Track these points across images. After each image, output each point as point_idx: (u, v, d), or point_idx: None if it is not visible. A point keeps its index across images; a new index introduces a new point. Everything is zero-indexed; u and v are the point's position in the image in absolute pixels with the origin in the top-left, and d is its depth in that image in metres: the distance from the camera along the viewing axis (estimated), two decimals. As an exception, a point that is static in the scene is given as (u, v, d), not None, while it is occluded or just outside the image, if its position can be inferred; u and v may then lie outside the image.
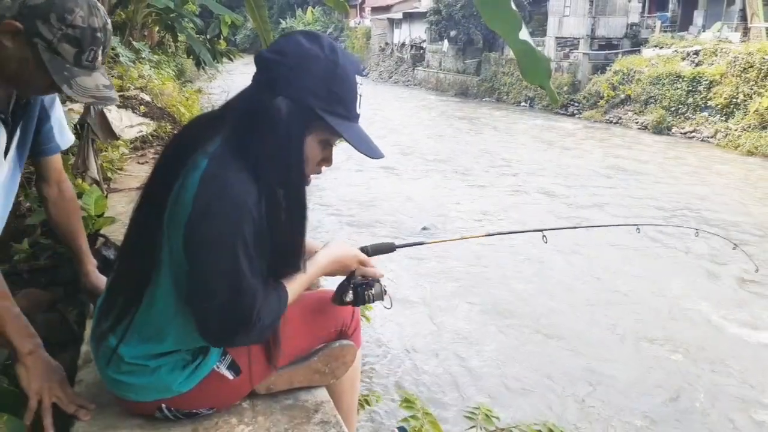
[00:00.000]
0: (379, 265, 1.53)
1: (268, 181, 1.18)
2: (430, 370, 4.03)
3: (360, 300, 1.50)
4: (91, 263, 1.87)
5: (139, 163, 3.97)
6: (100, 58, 1.27)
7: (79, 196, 2.77)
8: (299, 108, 1.17)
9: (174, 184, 1.20)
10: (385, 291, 1.54)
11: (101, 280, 1.81)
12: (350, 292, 1.50)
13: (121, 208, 2.95)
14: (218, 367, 1.36)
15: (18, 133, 1.46)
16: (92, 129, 2.89)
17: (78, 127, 2.94)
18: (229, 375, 1.37)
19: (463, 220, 8.54)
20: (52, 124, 1.65)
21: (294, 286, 1.33)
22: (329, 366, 1.55)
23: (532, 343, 4.62)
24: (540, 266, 6.52)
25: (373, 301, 1.52)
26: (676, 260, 6.87)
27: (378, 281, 1.53)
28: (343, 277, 1.51)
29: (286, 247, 1.27)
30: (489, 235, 2.02)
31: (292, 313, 1.44)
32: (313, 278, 1.41)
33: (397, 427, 1.78)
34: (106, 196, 3.16)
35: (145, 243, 1.25)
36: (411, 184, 10.36)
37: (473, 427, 1.26)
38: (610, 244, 7.18)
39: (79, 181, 2.91)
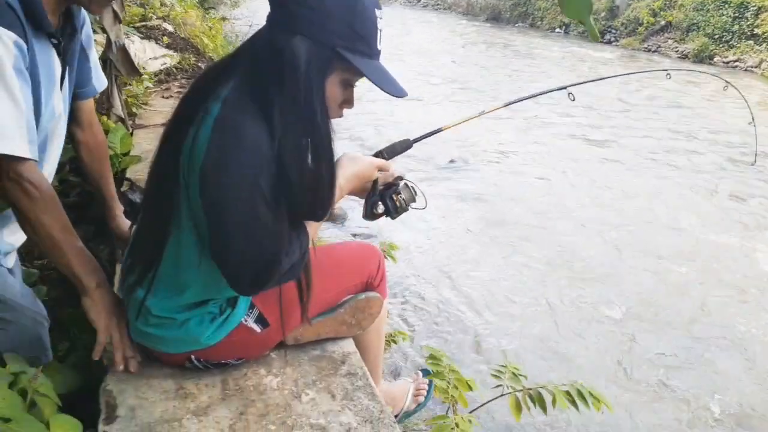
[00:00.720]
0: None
1: (289, 129, 1.11)
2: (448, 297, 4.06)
3: (392, 209, 1.43)
4: (119, 208, 1.87)
5: (163, 97, 3.92)
6: None
7: (105, 133, 2.76)
8: (319, 48, 1.09)
9: (189, 131, 1.15)
10: (415, 191, 1.46)
11: (128, 225, 1.82)
12: (379, 203, 1.43)
13: (147, 145, 2.94)
14: (246, 321, 1.36)
15: (68, 64, 1.42)
16: (115, 65, 2.83)
17: (102, 62, 2.89)
18: (257, 328, 1.38)
19: (490, 153, 8.38)
20: (91, 65, 1.62)
21: (313, 223, 1.28)
22: (356, 317, 1.55)
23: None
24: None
25: (407, 206, 1.44)
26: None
27: (404, 182, 1.45)
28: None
29: (315, 198, 1.20)
30: (508, 104, 1.90)
31: (319, 267, 1.43)
32: (337, 200, 1.31)
33: (422, 370, 1.80)
34: (132, 133, 3.15)
35: (165, 195, 1.21)
36: (437, 113, 10.15)
37: (499, 385, 1.26)
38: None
39: (104, 118, 2.88)
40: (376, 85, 1.13)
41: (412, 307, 3.80)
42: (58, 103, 1.39)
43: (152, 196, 1.28)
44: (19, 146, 1.16)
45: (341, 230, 5.25)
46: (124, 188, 2.30)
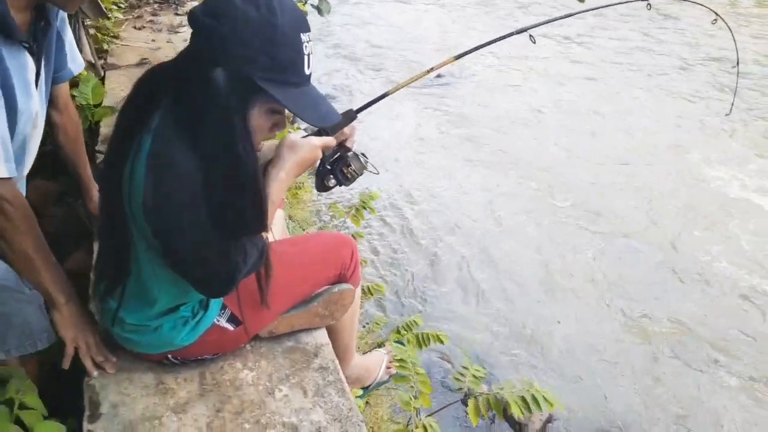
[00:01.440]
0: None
1: (214, 159, 1.10)
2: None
3: (343, 179, 1.46)
4: (95, 189, 1.87)
5: (135, 27, 3.75)
6: None
7: (75, 84, 2.68)
8: (238, 80, 1.06)
9: (126, 163, 1.16)
10: (366, 160, 1.46)
11: None
12: (330, 176, 1.45)
13: (120, 92, 2.86)
14: (218, 321, 1.42)
15: (43, 60, 1.40)
16: (81, 8, 2.69)
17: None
18: (230, 327, 1.43)
19: (482, 66, 8.18)
20: (66, 50, 1.59)
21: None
22: (329, 309, 1.61)
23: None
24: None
25: (358, 175, 1.46)
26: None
27: (352, 152, 1.46)
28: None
29: (246, 218, 1.19)
30: (458, 57, 1.81)
31: (291, 261, 1.48)
32: (279, 195, 1.31)
33: (396, 342, 1.89)
34: (104, 76, 3.05)
35: (116, 222, 1.23)
36: (429, 18, 9.77)
37: (460, 388, 1.34)
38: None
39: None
40: (300, 117, 1.12)
41: (389, 250, 3.88)
42: (35, 103, 1.38)
43: (104, 221, 1.29)
44: None
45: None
46: (98, 162, 2.27)
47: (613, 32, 8.83)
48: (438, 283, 3.72)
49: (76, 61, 1.64)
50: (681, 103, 6.48)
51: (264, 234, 1.28)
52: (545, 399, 1.30)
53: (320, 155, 1.38)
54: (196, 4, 1.69)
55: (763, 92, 6.70)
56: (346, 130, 1.46)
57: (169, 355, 1.42)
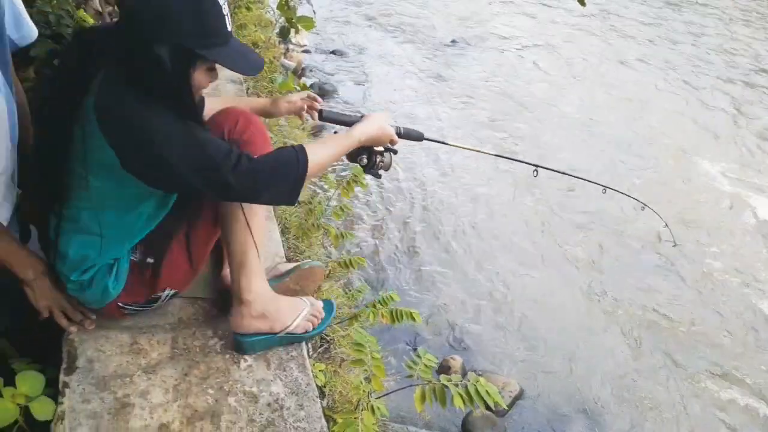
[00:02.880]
0: None
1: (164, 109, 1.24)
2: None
3: (370, 167, 1.63)
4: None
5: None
6: None
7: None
8: (179, 51, 1.21)
9: (72, 130, 1.28)
10: (391, 164, 1.67)
11: None
12: (365, 156, 1.61)
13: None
14: (135, 258, 1.47)
15: None
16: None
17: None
18: (149, 259, 1.47)
19: (497, 37, 8.06)
20: (11, 19, 1.46)
21: (325, 146, 1.45)
22: (300, 284, 1.70)
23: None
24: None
25: (380, 170, 1.65)
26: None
27: (391, 153, 1.65)
28: None
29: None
30: (497, 155, 2.06)
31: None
32: (349, 147, 1.51)
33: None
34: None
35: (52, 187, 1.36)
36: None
37: (410, 376, 1.44)
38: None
39: (81, 12, 2.79)
40: (232, 69, 1.30)
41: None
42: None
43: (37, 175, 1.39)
44: None
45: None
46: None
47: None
48: (422, 258, 3.81)
49: (23, 30, 1.51)
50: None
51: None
52: (489, 394, 1.39)
53: (387, 143, 1.61)
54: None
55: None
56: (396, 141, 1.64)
57: (119, 303, 1.49)
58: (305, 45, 6.75)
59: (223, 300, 1.67)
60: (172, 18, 1.18)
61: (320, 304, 1.65)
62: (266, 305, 1.51)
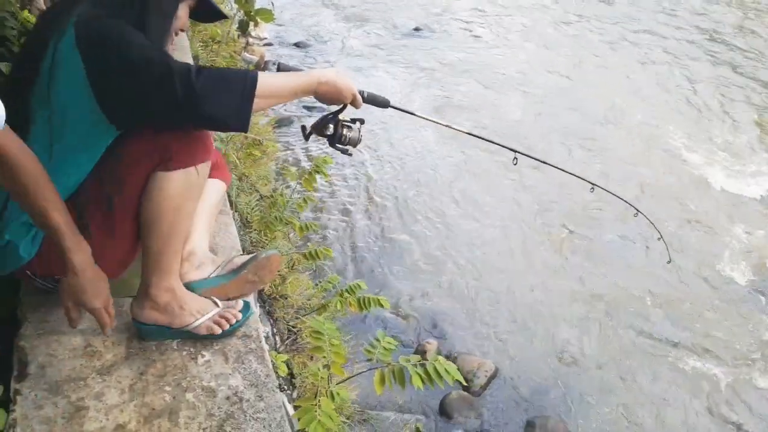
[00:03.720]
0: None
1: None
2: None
3: (336, 138, 1.54)
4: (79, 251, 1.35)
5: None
6: None
7: (24, 34, 2.63)
8: None
9: (46, 52, 1.29)
10: (361, 138, 1.57)
11: None
12: (331, 125, 1.53)
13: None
14: None
15: None
16: (29, -48, 2.62)
17: (15, -51, 2.66)
18: None
19: (460, 21, 8.07)
20: None
21: (276, 75, 1.40)
22: (258, 275, 1.68)
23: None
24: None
25: (347, 144, 1.56)
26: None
27: (359, 125, 1.57)
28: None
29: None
30: (470, 134, 1.89)
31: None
32: (304, 84, 1.41)
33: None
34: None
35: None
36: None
37: (369, 359, 1.44)
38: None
39: (26, 13, 2.72)
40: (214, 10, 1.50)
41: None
42: None
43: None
44: None
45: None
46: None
47: None
48: (392, 245, 3.81)
49: None
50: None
51: None
52: (447, 372, 1.40)
53: (347, 100, 1.49)
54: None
55: None
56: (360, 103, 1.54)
57: (27, 271, 1.43)
58: (266, 38, 6.67)
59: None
60: None
61: (239, 305, 1.60)
62: (170, 303, 1.48)
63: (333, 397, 1.41)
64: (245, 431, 1.36)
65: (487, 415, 3.07)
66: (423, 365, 1.40)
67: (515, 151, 1.81)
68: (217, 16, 1.56)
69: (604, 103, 5.84)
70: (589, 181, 2.00)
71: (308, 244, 3.15)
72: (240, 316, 1.58)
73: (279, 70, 1.57)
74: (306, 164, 4.04)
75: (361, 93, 1.53)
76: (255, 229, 2.59)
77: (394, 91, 5.85)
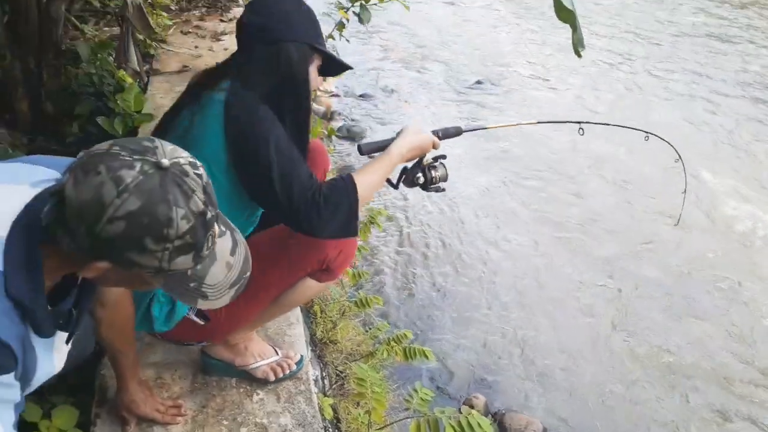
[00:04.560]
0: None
1: (287, 109, 1.47)
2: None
3: (429, 182, 1.62)
4: (135, 383, 1.57)
5: (182, 32, 4.04)
6: (217, 231, 0.97)
7: (119, 90, 2.98)
8: (303, 47, 1.46)
9: (178, 122, 1.47)
10: (447, 173, 1.65)
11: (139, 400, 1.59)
12: (420, 174, 1.61)
13: (160, 99, 3.14)
14: (189, 314, 1.56)
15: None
16: (130, 21, 2.98)
17: (119, 19, 3.04)
18: (200, 321, 1.54)
19: (521, 76, 8.22)
20: None
21: (368, 171, 1.50)
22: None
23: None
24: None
25: (438, 183, 1.64)
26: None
27: (442, 162, 1.64)
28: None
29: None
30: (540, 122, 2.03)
31: (263, 247, 1.50)
32: (393, 165, 1.53)
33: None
34: (147, 81, 3.35)
35: None
36: (473, 22, 9.82)
37: (407, 408, 1.55)
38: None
39: (122, 72, 3.08)
40: (341, 65, 1.62)
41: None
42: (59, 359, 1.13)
43: None
44: None
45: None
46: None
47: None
48: (442, 296, 3.91)
49: None
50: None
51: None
52: (480, 426, 1.50)
53: (430, 150, 1.61)
54: (241, 9, 1.94)
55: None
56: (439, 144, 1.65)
57: (158, 336, 1.63)
58: (333, 90, 7.04)
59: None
60: (295, 21, 1.46)
61: (297, 357, 1.77)
62: (239, 343, 1.68)
63: (372, 442, 1.53)
64: (291, 467, 1.50)
65: (536, 476, 3.05)
66: (457, 419, 1.50)
67: (579, 122, 1.88)
68: (343, 68, 1.64)
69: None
70: (644, 131, 2.02)
71: (359, 291, 3.30)
72: (294, 367, 1.75)
73: (362, 152, 1.63)
74: (362, 214, 4.23)
75: (436, 133, 1.63)
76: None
77: (451, 142, 6.02)
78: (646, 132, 2.04)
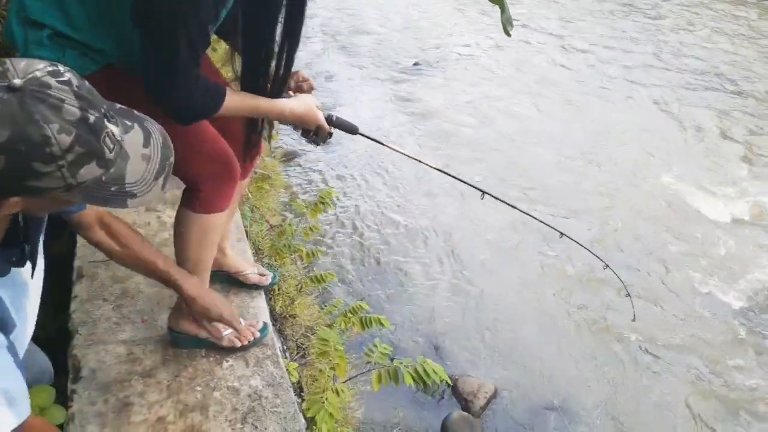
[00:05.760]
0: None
1: None
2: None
3: (305, 132, 1.63)
4: (191, 283, 1.59)
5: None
6: (116, 130, 0.91)
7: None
8: None
9: None
10: (331, 134, 1.65)
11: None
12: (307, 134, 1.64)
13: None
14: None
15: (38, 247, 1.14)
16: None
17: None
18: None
19: (459, 58, 8.41)
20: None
21: (243, 98, 1.42)
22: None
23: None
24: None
25: (318, 142, 1.67)
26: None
27: (329, 135, 1.65)
28: None
29: (258, 53, 1.41)
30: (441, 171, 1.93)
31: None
32: (268, 111, 1.49)
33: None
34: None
35: None
36: (415, 6, 9.95)
37: (368, 362, 1.69)
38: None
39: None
40: None
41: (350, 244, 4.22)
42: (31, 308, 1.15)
43: None
44: None
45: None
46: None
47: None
48: (391, 269, 4.08)
49: None
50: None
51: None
52: (435, 372, 1.66)
53: (311, 128, 1.61)
54: None
55: None
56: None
57: None
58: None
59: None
60: None
61: (260, 324, 1.87)
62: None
63: (338, 394, 1.67)
64: (264, 422, 1.63)
65: (488, 436, 3.23)
66: (414, 366, 1.66)
67: (483, 191, 1.90)
68: None
69: (600, 140, 6.13)
70: (556, 229, 2.09)
71: (314, 269, 3.41)
72: (258, 334, 1.86)
73: (331, 120, 1.65)
74: (312, 196, 4.33)
75: (330, 117, 1.64)
76: (266, 255, 2.87)
77: (391, 124, 6.17)
78: (560, 232, 2.09)
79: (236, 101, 1.40)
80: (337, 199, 4.47)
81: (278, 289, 2.79)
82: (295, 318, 2.70)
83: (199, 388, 1.70)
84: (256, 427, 1.61)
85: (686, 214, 4.93)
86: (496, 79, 7.56)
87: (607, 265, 2.19)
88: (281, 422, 1.63)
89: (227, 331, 1.80)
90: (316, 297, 3.11)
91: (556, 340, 3.74)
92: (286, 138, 5.39)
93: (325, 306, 3.39)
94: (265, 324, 1.90)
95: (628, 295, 2.55)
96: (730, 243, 4.60)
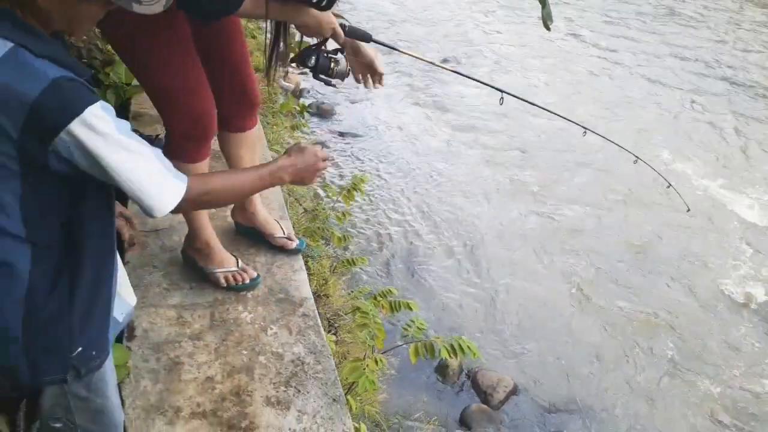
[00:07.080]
0: None
1: None
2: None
3: (321, 69, 1.52)
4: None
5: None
6: None
7: (109, 63, 3.08)
8: None
9: None
10: (350, 71, 1.56)
11: None
12: (313, 57, 1.52)
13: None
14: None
15: None
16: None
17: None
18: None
19: (489, 62, 8.41)
20: None
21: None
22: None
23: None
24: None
25: (334, 77, 1.54)
26: None
27: (343, 56, 1.55)
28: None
29: None
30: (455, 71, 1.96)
31: None
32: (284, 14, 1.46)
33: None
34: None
35: None
36: (452, 5, 9.98)
37: (405, 335, 1.77)
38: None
39: (108, 46, 3.16)
40: None
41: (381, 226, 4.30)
42: None
43: None
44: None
45: (326, 125, 5.69)
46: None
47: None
48: (419, 259, 4.15)
49: None
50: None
51: None
52: (469, 348, 1.73)
53: (327, 34, 1.50)
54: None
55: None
56: (362, 48, 1.58)
57: None
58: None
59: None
60: None
61: (253, 273, 2.01)
62: (203, 249, 1.94)
63: (377, 363, 1.75)
64: (307, 387, 1.71)
65: (505, 429, 3.27)
66: (449, 342, 1.74)
67: (502, 91, 1.82)
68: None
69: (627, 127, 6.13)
70: (583, 126, 2.08)
71: (346, 252, 3.50)
72: (248, 281, 1.99)
73: (345, 29, 1.56)
74: (345, 182, 4.41)
75: (343, 26, 1.53)
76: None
77: (418, 118, 6.24)
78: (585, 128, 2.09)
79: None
80: (369, 187, 4.53)
81: (313, 269, 2.88)
82: (328, 297, 2.80)
83: (245, 352, 1.79)
84: (299, 391, 1.70)
85: (723, 218, 4.93)
86: (530, 75, 7.58)
87: (638, 158, 2.22)
88: (322, 387, 1.71)
89: (220, 270, 1.97)
90: (346, 281, 3.19)
91: (577, 341, 3.77)
92: (316, 128, 5.49)
93: (353, 291, 3.48)
94: (258, 276, 2.02)
95: (670, 185, 2.46)
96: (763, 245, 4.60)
